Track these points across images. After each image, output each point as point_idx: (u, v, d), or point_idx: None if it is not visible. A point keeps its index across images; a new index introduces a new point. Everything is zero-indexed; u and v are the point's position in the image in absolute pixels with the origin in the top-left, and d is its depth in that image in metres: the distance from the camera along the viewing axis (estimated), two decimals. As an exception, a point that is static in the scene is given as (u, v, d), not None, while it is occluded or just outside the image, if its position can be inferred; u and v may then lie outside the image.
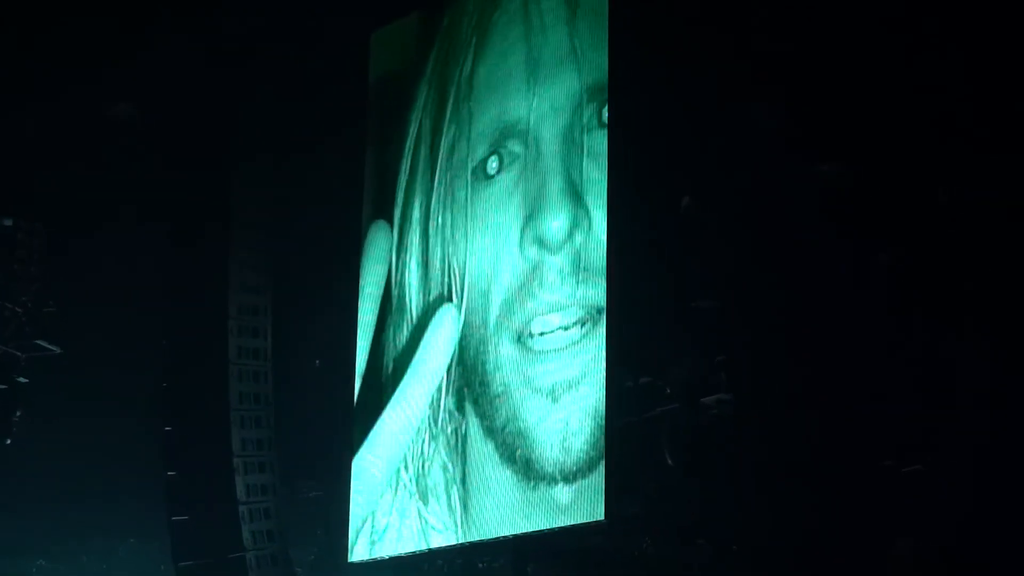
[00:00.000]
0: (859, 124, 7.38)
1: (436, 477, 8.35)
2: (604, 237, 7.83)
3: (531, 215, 8.23)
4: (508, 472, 7.99)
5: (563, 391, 7.82)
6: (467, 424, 8.27)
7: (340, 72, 9.35)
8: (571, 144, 8.09)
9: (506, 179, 8.40)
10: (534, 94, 8.35)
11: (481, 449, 8.16)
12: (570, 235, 7.97)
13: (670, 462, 7.71)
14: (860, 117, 7.37)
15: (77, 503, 9.51)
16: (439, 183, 8.76)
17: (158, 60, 9.44)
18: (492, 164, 8.47)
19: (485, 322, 8.28)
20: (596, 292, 7.80)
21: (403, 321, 8.76)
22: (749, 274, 7.67)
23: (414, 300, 8.75)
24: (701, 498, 7.61)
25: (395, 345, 8.74)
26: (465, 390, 8.31)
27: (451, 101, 8.79)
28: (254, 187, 9.41)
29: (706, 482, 7.61)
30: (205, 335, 9.14)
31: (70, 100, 9.60)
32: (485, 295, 8.32)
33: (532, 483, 7.88)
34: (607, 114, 7.97)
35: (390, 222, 8.98)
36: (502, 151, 8.42)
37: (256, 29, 9.29)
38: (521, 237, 8.22)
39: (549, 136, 8.21)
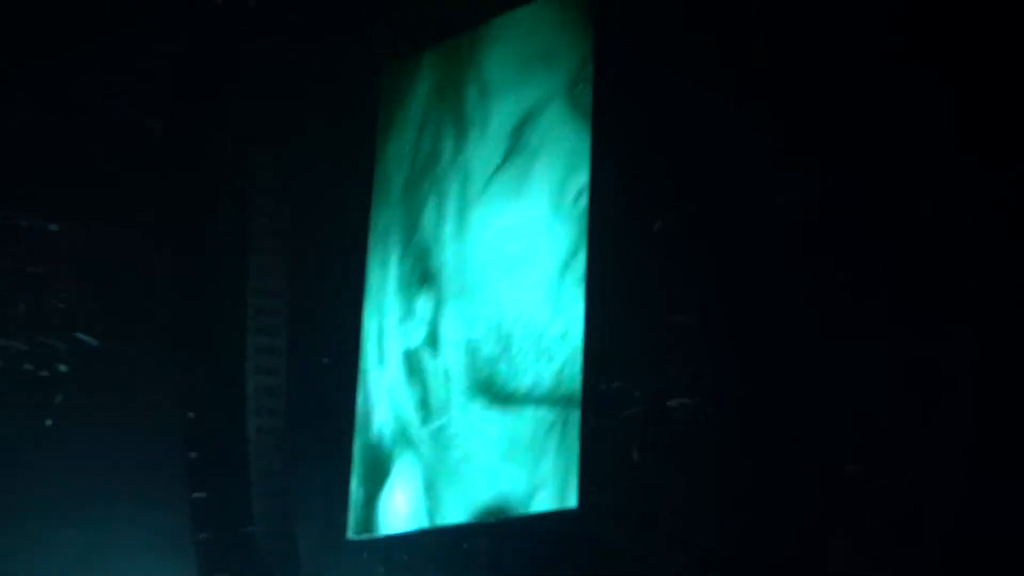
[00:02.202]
0: (833, 144, 7.44)
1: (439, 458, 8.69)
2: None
3: (568, 173, 8.22)
4: (552, 412, 8.07)
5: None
6: (469, 411, 8.57)
7: (357, 92, 9.62)
8: (583, 108, 8.26)
9: (514, 167, 8.55)
10: (548, 73, 8.52)
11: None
12: None
13: (636, 458, 7.96)
14: (834, 136, 7.44)
15: (107, 480, 9.64)
16: (437, 199, 9.01)
17: (171, 65, 9.56)
18: (500, 162, 8.67)
19: (529, 291, 8.34)
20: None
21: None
22: (718, 289, 7.83)
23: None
24: (664, 492, 7.85)
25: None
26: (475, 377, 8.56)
27: (458, 121, 9.02)
28: (273, 198, 9.70)
29: (669, 478, 7.86)
30: (226, 333, 9.55)
31: (96, 102, 9.68)
32: (528, 268, 8.40)
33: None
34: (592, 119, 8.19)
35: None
36: (511, 149, 8.61)
37: (268, 27, 9.44)
38: (560, 200, 8.25)
39: (562, 107, 8.35)
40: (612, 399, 8.11)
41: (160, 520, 9.62)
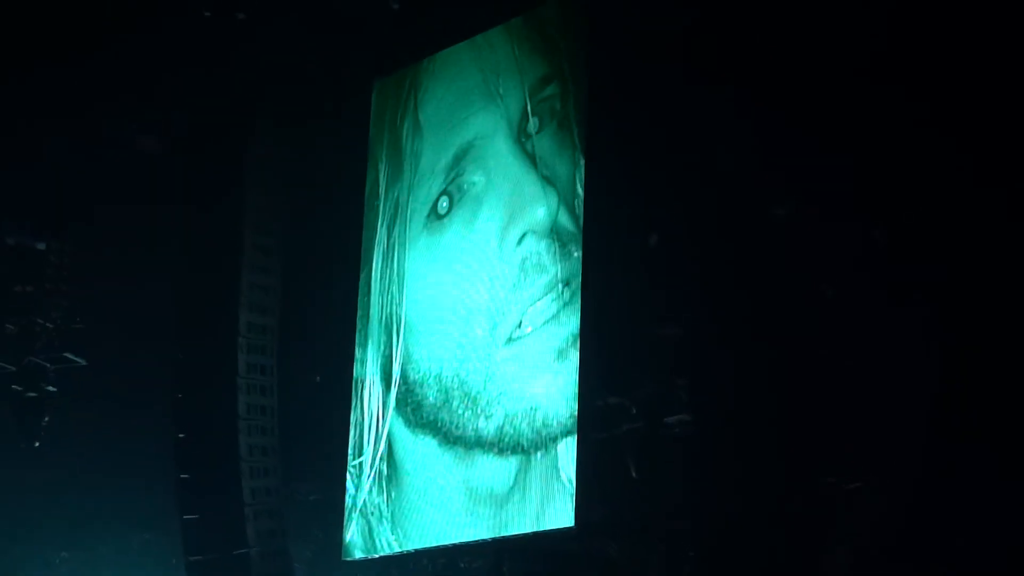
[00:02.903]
0: (813, 169, 7.56)
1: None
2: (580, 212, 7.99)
3: (512, 216, 8.29)
4: (505, 460, 8.12)
5: (570, 345, 7.92)
6: (416, 443, 8.60)
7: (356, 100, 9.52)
8: (527, 147, 8.30)
9: (463, 211, 8.55)
10: (487, 111, 8.55)
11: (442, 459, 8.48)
12: (556, 215, 8.12)
13: (634, 474, 8.04)
14: (811, 160, 7.56)
15: (97, 502, 9.73)
16: (391, 236, 9.01)
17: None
18: (443, 204, 8.67)
19: (466, 346, 8.43)
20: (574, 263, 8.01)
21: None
22: (715, 302, 7.94)
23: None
24: (662, 508, 7.94)
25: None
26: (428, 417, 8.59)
27: (402, 152, 9.04)
28: (266, 215, 9.61)
29: (666, 493, 7.93)
30: (217, 351, 9.43)
31: (90, 119, 9.70)
32: (466, 320, 8.51)
33: (538, 453, 7.98)
34: (579, 143, 8.13)
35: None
36: (452, 188, 8.60)
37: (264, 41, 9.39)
38: (502, 242, 8.33)
39: (505, 146, 8.41)
40: (609, 415, 8.13)
41: (151, 542, 9.61)
